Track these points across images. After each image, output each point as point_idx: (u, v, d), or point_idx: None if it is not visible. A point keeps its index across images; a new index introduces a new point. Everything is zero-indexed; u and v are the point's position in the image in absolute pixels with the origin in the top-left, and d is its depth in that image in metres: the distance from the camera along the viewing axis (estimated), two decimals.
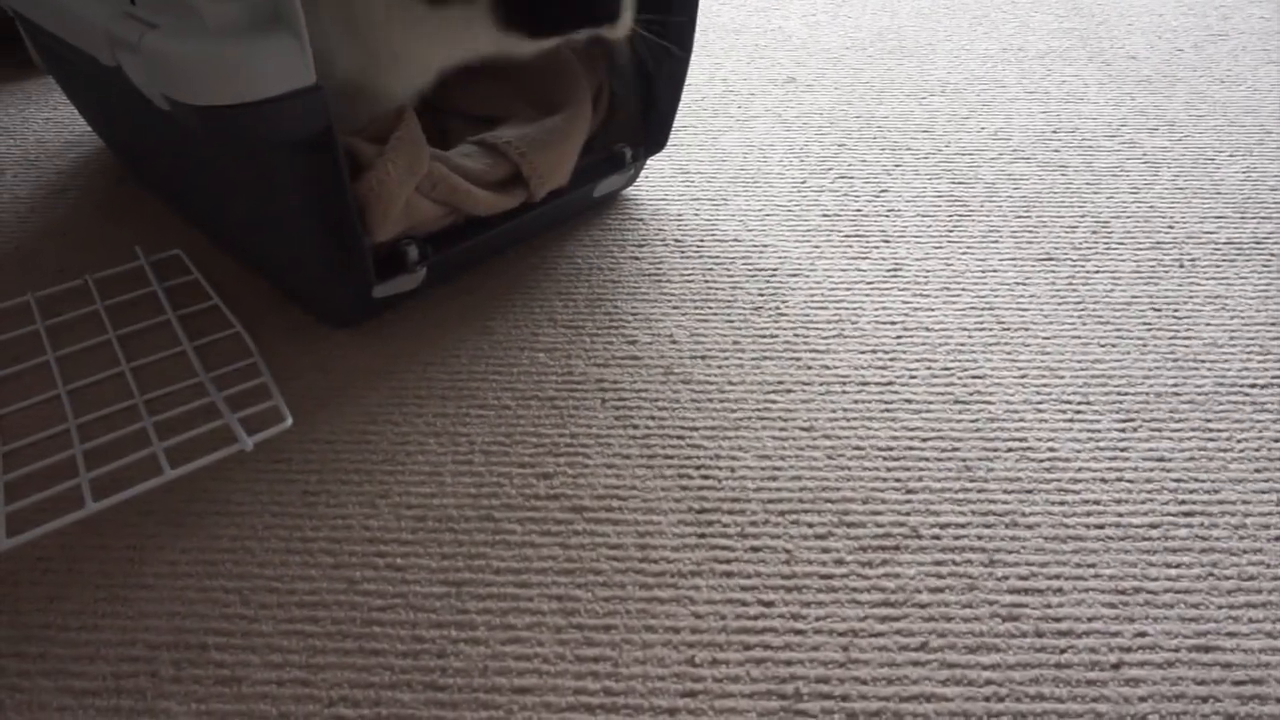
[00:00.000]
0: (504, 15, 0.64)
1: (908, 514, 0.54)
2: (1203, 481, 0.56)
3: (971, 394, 0.62)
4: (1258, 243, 0.78)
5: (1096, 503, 0.54)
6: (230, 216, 0.70)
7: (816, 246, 0.76)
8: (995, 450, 0.58)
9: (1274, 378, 0.64)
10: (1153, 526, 0.53)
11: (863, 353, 0.66)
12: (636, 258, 0.75)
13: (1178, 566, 0.51)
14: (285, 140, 0.53)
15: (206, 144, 0.59)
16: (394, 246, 0.64)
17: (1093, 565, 0.51)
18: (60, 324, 0.68)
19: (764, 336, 0.67)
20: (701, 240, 0.77)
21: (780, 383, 0.63)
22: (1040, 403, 0.61)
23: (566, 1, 0.66)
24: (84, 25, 0.58)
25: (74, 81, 0.83)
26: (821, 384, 0.63)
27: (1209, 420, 0.60)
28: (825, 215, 0.81)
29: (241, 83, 0.50)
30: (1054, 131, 0.96)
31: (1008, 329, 0.68)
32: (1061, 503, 0.54)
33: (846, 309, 0.70)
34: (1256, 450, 0.58)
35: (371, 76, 0.66)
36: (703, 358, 0.65)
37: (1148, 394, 0.62)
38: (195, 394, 0.61)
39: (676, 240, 0.77)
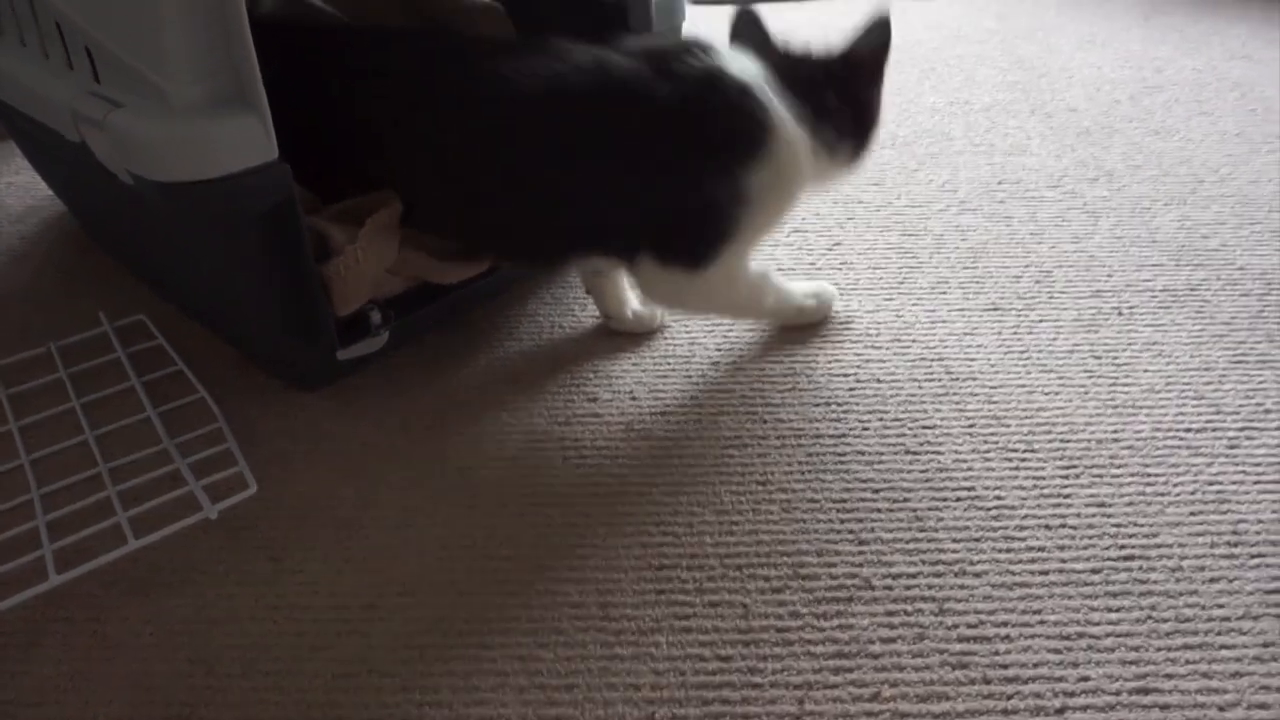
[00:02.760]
0: None
1: (860, 565, 0.55)
2: (1141, 526, 0.58)
3: (922, 444, 0.64)
4: (1191, 289, 0.81)
5: (1041, 549, 0.56)
6: (193, 283, 0.71)
7: None
8: (944, 500, 0.60)
9: (1208, 422, 0.66)
10: (1094, 571, 0.55)
11: (816, 405, 0.68)
12: (597, 315, 0.77)
13: (1118, 610, 0.53)
14: (248, 213, 0.54)
15: (170, 215, 0.61)
16: (356, 313, 0.66)
17: (1038, 611, 0.52)
18: (24, 392, 0.68)
19: (721, 391, 0.69)
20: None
21: (737, 437, 0.65)
22: (987, 452, 0.64)
23: None
24: (49, 103, 0.59)
25: (36, 148, 0.84)
26: (777, 437, 0.65)
27: (1147, 465, 0.63)
28: (780, 269, 0.83)
29: (205, 159, 0.51)
30: (999, 183, 0.99)
31: (956, 379, 0.70)
32: (1008, 550, 0.56)
33: (801, 362, 0.72)
34: (1192, 494, 0.60)
35: None
36: (662, 414, 0.67)
37: (1089, 440, 0.65)
38: (160, 461, 0.62)
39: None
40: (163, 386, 0.69)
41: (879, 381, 0.70)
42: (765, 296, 0.71)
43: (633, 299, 0.74)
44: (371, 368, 0.71)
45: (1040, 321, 0.77)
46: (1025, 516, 0.59)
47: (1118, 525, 0.58)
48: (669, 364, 0.72)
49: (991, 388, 0.69)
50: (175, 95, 0.52)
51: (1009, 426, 0.66)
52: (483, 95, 0.62)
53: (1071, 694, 0.48)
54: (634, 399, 0.68)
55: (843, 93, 0.66)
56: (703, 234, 0.62)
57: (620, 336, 0.75)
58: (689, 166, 0.61)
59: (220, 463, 0.61)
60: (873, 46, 0.66)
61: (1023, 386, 0.70)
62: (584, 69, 0.62)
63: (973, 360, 0.72)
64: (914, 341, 0.74)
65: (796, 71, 0.65)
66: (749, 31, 0.69)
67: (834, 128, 0.65)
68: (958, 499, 0.60)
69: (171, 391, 0.68)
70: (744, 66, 0.63)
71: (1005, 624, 0.52)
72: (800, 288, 0.75)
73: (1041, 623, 0.52)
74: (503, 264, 0.72)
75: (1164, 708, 0.47)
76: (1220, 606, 0.53)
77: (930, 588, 0.54)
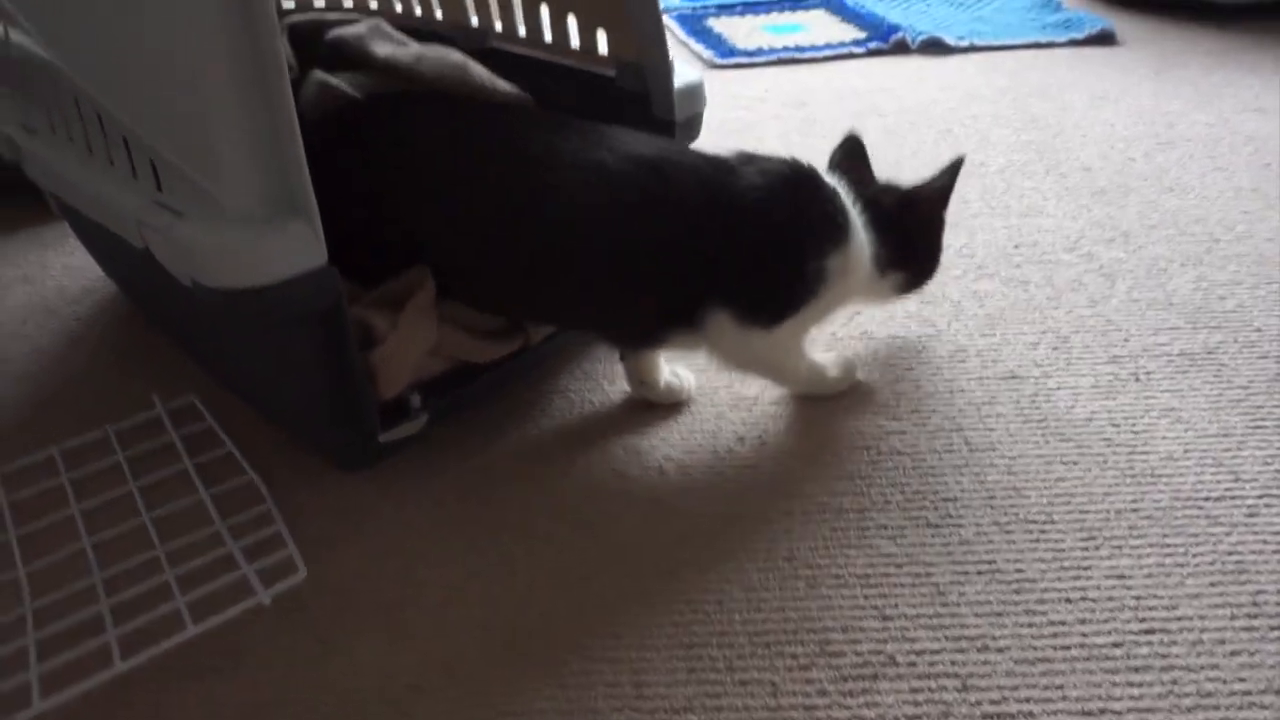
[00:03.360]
0: None
1: (885, 641, 0.57)
2: (1161, 598, 0.59)
3: (943, 517, 0.66)
4: (1209, 353, 0.83)
5: (1062, 623, 0.58)
6: (242, 369, 0.75)
7: None
8: (966, 574, 0.62)
9: (1226, 490, 0.68)
10: (1116, 645, 0.56)
11: (839, 479, 0.70)
12: (625, 390, 0.80)
13: (1140, 685, 0.54)
14: (299, 316, 0.58)
15: (225, 315, 0.64)
16: (397, 396, 0.69)
17: (1060, 687, 0.54)
18: (83, 476, 0.72)
19: (746, 467, 0.71)
20: (678, 370, 0.82)
21: (762, 513, 0.67)
22: (1007, 524, 0.65)
23: None
24: (115, 210, 0.63)
25: (95, 240, 0.89)
26: (802, 513, 0.67)
27: (1166, 535, 0.64)
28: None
29: (259, 267, 0.55)
30: (1016, 247, 1.02)
31: (975, 450, 0.72)
32: (1030, 624, 0.58)
33: (824, 435, 0.74)
34: (1211, 564, 0.62)
35: None
36: (688, 489, 0.69)
37: (1108, 510, 0.66)
38: (213, 544, 0.65)
39: None
40: (214, 468, 0.72)
41: (899, 454, 0.72)
42: (802, 367, 0.76)
43: (666, 370, 0.77)
44: (411, 448, 0.74)
45: (1058, 389, 0.79)
46: (1046, 589, 0.60)
47: (1138, 597, 0.60)
48: (695, 439, 0.74)
49: (1010, 458, 0.71)
50: (230, 205, 0.56)
51: (1028, 498, 0.68)
52: (572, 173, 0.67)
53: None
54: (662, 474, 0.71)
55: (900, 226, 0.75)
56: (781, 299, 0.69)
57: (647, 412, 0.77)
58: (785, 244, 0.68)
59: (270, 545, 0.64)
60: (935, 189, 0.76)
61: (1041, 456, 0.71)
62: (678, 154, 0.71)
63: (991, 430, 0.74)
64: (933, 412, 0.76)
65: (872, 196, 0.75)
66: (852, 152, 0.79)
67: (887, 254, 0.74)
68: (979, 572, 0.62)
69: (222, 473, 0.72)
70: (827, 176, 0.74)
71: (1028, 700, 0.53)
72: (826, 361, 0.77)
73: (1064, 699, 0.53)
74: (571, 332, 0.78)
75: None
76: (1242, 680, 0.54)
77: (953, 664, 0.55)
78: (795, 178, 0.71)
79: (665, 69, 0.75)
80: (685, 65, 0.79)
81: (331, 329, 0.60)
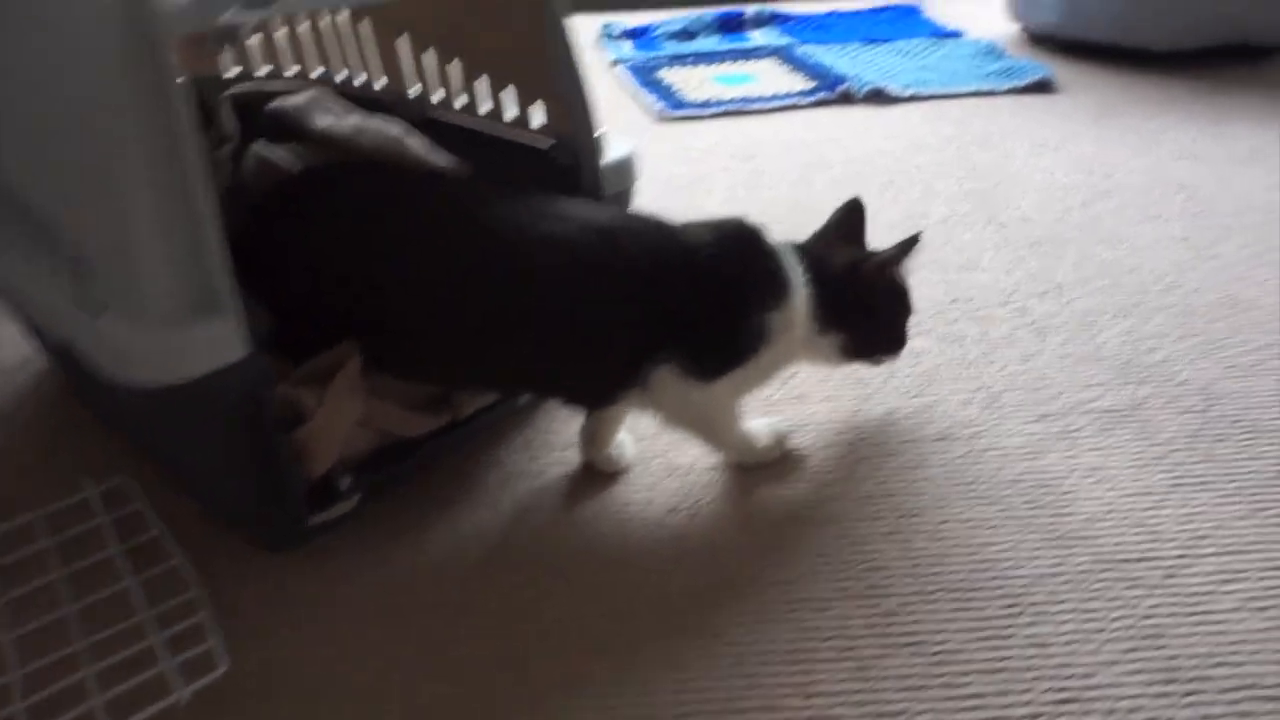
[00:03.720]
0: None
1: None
2: (1079, 666, 0.60)
3: (869, 588, 0.67)
4: (1135, 408, 0.85)
5: (981, 695, 0.59)
6: (169, 453, 0.75)
7: None
8: (889, 646, 0.62)
9: (1146, 551, 0.69)
10: (1033, 717, 0.57)
11: (769, 550, 0.70)
12: (562, 461, 0.80)
13: None
14: (222, 408, 0.58)
15: (148, 408, 0.65)
16: (327, 477, 0.69)
17: None
18: (8, 564, 0.71)
19: (678, 538, 0.72)
20: (620, 438, 0.83)
21: (692, 589, 0.67)
22: (932, 593, 0.66)
23: None
24: (40, 302, 0.63)
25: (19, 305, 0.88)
26: (730, 587, 0.67)
27: (1085, 600, 0.65)
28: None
29: (180, 365, 0.55)
30: (952, 302, 1.04)
31: (903, 516, 0.73)
32: (949, 698, 0.59)
33: (755, 506, 0.75)
34: (1129, 629, 0.63)
35: None
36: (621, 565, 0.70)
37: (1030, 576, 0.67)
38: (137, 635, 0.64)
39: None
40: (143, 553, 0.72)
41: (829, 522, 0.73)
42: (735, 431, 0.77)
43: (622, 437, 0.80)
44: (344, 527, 0.73)
45: (987, 450, 0.80)
46: (967, 661, 0.61)
47: (1057, 666, 0.60)
48: (629, 510, 0.75)
49: (937, 524, 0.72)
50: (150, 302, 0.56)
51: (953, 565, 0.68)
52: (525, 239, 0.69)
53: None
54: (592, 549, 0.71)
55: (841, 288, 0.76)
56: (724, 352, 0.71)
57: (582, 481, 0.78)
58: (728, 298, 0.71)
59: (195, 636, 0.64)
60: (877, 260, 0.77)
61: (967, 521, 0.72)
62: (625, 218, 0.74)
63: (920, 495, 0.75)
64: (864, 478, 0.77)
65: (817, 255, 0.76)
66: (850, 214, 0.82)
67: (824, 313, 0.75)
68: (902, 645, 0.62)
69: (152, 558, 0.71)
70: (775, 239, 0.75)
71: None
72: (759, 429, 0.78)
73: None
74: (506, 403, 0.79)
75: None
76: None
77: None
78: (739, 235, 0.74)
79: (591, 146, 0.76)
80: (619, 138, 0.81)
81: (255, 415, 0.60)
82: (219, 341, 0.56)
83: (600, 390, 0.72)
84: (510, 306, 0.69)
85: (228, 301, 0.56)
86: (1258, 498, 0.74)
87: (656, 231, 0.72)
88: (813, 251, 0.76)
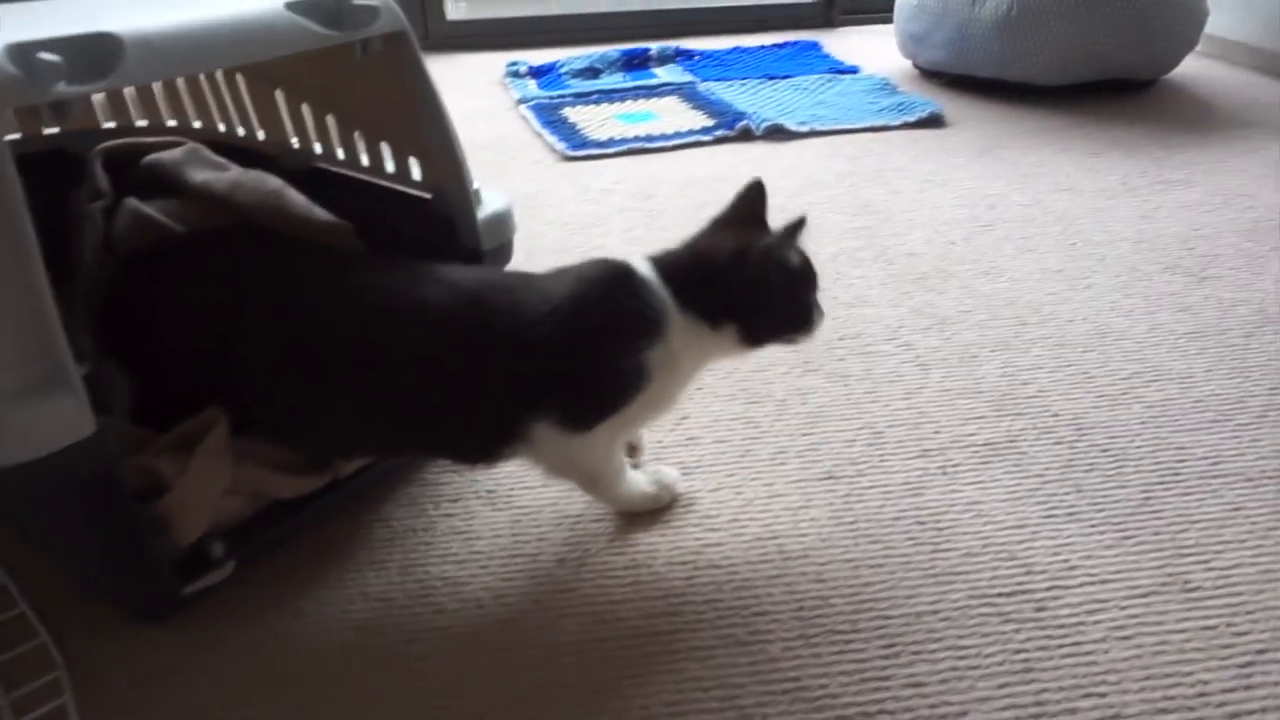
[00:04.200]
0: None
1: None
2: (953, 704, 0.62)
3: (752, 634, 0.67)
4: (1010, 441, 0.88)
5: None
6: (29, 524, 0.72)
7: None
8: (771, 694, 0.63)
9: (1018, 584, 0.71)
10: None
11: (656, 598, 0.71)
12: (449, 514, 0.80)
13: None
14: (68, 486, 0.56)
15: None
16: (199, 545, 0.67)
17: None
18: None
19: (564, 591, 0.72)
20: (512, 490, 0.82)
21: (577, 643, 0.67)
22: (814, 636, 0.67)
23: None
24: None
25: None
26: (615, 639, 0.67)
27: (961, 637, 0.67)
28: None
29: (20, 445, 0.53)
30: (840, 338, 1.06)
31: (788, 558, 0.74)
32: None
33: (643, 552, 0.75)
34: (1000, 665, 0.65)
35: None
36: (506, 621, 0.69)
37: (909, 614, 0.69)
38: None
39: (489, 491, 0.82)
40: (5, 629, 0.68)
41: (716, 567, 0.73)
42: (620, 480, 0.76)
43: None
44: (220, 592, 0.71)
45: (870, 488, 0.82)
46: (846, 704, 0.62)
47: (931, 706, 0.62)
48: (516, 564, 0.74)
49: (821, 564, 0.73)
50: None
51: (835, 606, 0.70)
52: (398, 307, 0.69)
53: None
54: (480, 608, 0.70)
55: (727, 278, 0.72)
56: (602, 399, 0.70)
57: (470, 536, 0.77)
58: (599, 344, 0.69)
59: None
60: (764, 245, 0.73)
61: (850, 560, 0.74)
62: (496, 278, 0.73)
63: (805, 536, 0.76)
64: (751, 520, 0.78)
65: (676, 262, 0.74)
66: (751, 198, 0.78)
67: (710, 312, 0.72)
68: (784, 691, 0.63)
69: (14, 635, 0.68)
70: (642, 266, 0.73)
71: None
72: (643, 478, 0.79)
73: None
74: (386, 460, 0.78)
75: None
76: None
77: None
78: (605, 279, 0.72)
79: (465, 201, 0.77)
80: (494, 193, 0.81)
81: (105, 491, 0.58)
82: (65, 419, 0.54)
83: (481, 449, 0.72)
84: (385, 373, 0.68)
85: (72, 380, 0.54)
86: (1123, 526, 0.77)
87: (524, 288, 0.71)
88: (682, 256, 0.75)
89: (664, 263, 0.74)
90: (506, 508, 0.80)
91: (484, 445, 0.71)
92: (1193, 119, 1.80)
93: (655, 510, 0.79)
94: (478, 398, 0.69)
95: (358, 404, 0.69)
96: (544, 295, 0.70)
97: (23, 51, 0.51)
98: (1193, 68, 2.07)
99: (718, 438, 0.89)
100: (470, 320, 0.69)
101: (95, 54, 0.54)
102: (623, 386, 0.70)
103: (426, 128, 0.74)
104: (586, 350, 0.69)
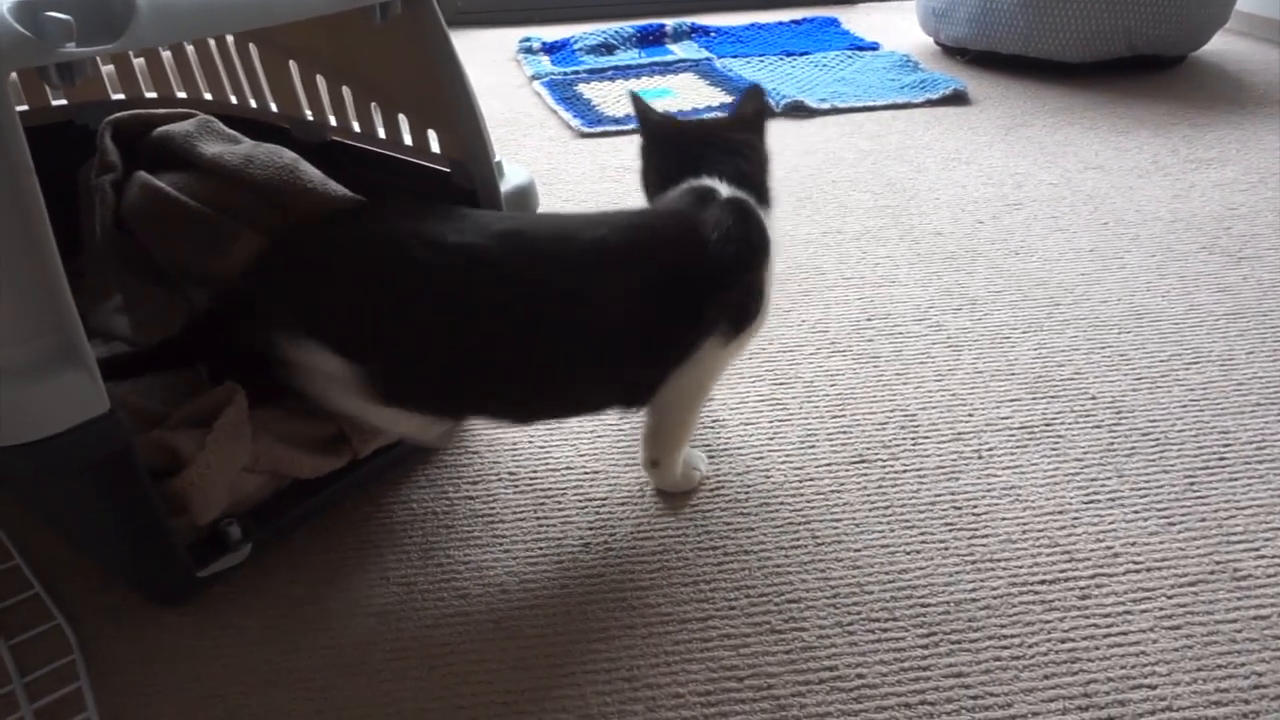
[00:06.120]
0: None
1: None
2: (997, 695, 0.60)
3: (786, 621, 0.65)
4: (1047, 424, 0.85)
5: None
6: (45, 506, 0.70)
7: (643, 475, 0.80)
8: (807, 683, 0.61)
9: (1061, 572, 0.69)
10: None
11: (685, 585, 0.68)
12: (471, 497, 0.77)
13: None
14: (81, 465, 0.54)
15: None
16: (215, 527, 0.65)
17: None
18: None
19: (591, 577, 0.69)
20: (535, 471, 0.80)
21: (604, 629, 0.65)
22: (850, 624, 0.65)
23: None
24: None
25: None
26: (644, 625, 0.65)
27: (1003, 626, 0.64)
28: None
29: (35, 422, 0.51)
30: (868, 319, 1.03)
31: (821, 544, 0.72)
32: None
33: (671, 537, 0.73)
34: (1045, 655, 0.62)
35: None
36: (531, 607, 0.67)
37: (949, 603, 0.66)
38: (8, 706, 0.59)
39: (510, 474, 0.80)
40: (19, 612, 0.67)
41: (746, 553, 0.71)
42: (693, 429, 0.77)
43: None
44: (237, 575, 0.69)
45: (904, 472, 0.79)
46: (886, 694, 0.60)
47: (974, 697, 0.59)
48: (540, 548, 0.72)
49: (855, 551, 0.71)
50: (2, 360, 0.51)
51: (871, 593, 0.67)
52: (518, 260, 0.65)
53: None
54: (504, 593, 0.68)
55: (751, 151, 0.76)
56: (759, 301, 0.73)
57: (493, 519, 0.75)
58: (754, 256, 0.71)
59: (71, 707, 0.59)
60: (754, 108, 0.79)
61: (886, 546, 0.71)
62: (610, 214, 0.71)
63: (838, 521, 0.74)
64: (781, 504, 0.76)
65: (750, 159, 0.76)
66: (753, 99, 0.81)
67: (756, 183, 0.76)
68: (820, 680, 0.61)
69: (28, 618, 0.66)
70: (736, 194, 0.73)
71: None
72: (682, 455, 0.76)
73: None
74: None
75: None
76: None
77: None
78: (737, 203, 0.72)
79: (489, 175, 0.74)
80: (516, 166, 0.78)
81: (120, 471, 0.56)
82: (78, 396, 0.52)
83: (653, 381, 0.70)
84: (588, 320, 0.65)
85: (84, 356, 0.52)
86: (1168, 512, 0.74)
87: (667, 215, 0.72)
88: (740, 166, 0.75)
89: (736, 179, 0.74)
90: (529, 490, 0.78)
91: (658, 376, 0.69)
92: (1224, 96, 1.76)
93: (684, 493, 0.77)
94: (672, 322, 0.68)
95: (554, 362, 0.66)
96: (692, 221, 0.69)
97: (30, 9, 0.48)
98: (1222, 45, 2.02)
99: (745, 420, 0.87)
100: (656, 251, 0.68)
101: (106, 13, 0.51)
102: (764, 288, 0.72)
103: (449, 95, 0.71)
104: (748, 263, 0.70)
